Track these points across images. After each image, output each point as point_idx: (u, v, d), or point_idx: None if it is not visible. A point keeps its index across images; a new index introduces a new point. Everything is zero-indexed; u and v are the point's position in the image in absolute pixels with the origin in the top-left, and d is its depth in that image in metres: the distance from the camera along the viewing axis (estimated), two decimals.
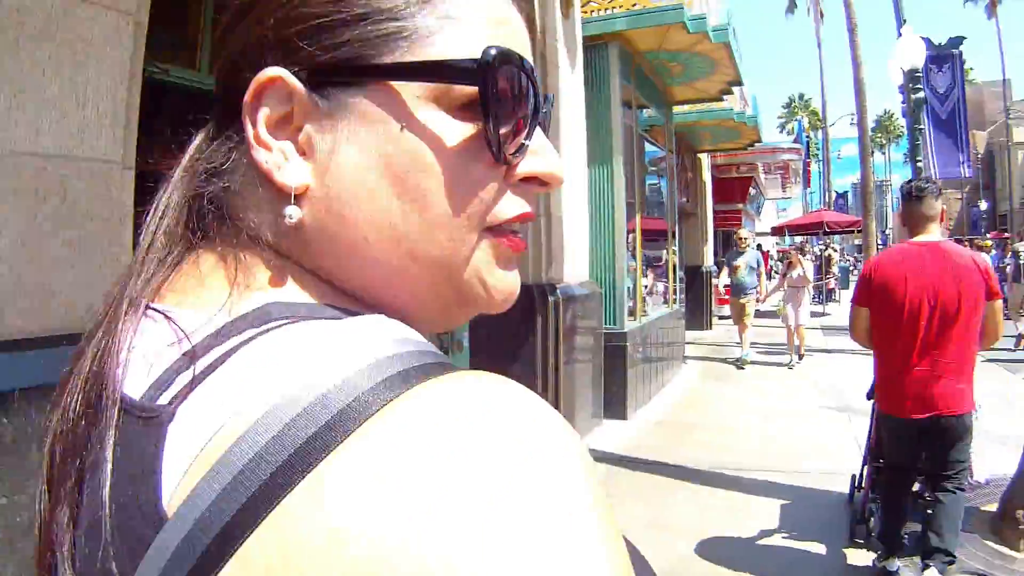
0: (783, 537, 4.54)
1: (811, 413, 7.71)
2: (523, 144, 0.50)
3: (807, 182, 31.56)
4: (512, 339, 5.77)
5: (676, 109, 11.60)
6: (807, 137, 30.30)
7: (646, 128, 10.14)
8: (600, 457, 5.96)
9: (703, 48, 8.22)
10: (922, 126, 11.20)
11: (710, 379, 9.74)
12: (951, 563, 3.58)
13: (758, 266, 11.12)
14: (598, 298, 6.75)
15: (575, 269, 6.37)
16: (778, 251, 38.44)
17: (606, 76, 7.53)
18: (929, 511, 3.67)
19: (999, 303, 3.63)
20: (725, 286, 11.31)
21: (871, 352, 3.94)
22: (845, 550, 4.30)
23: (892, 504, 3.85)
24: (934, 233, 3.70)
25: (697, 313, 14.24)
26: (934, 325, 3.48)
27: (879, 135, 73.49)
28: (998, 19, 49.08)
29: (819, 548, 4.35)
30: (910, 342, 3.53)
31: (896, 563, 3.73)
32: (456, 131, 0.47)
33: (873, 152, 71.40)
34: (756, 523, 4.69)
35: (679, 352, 10.53)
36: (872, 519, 4.26)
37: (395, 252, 0.48)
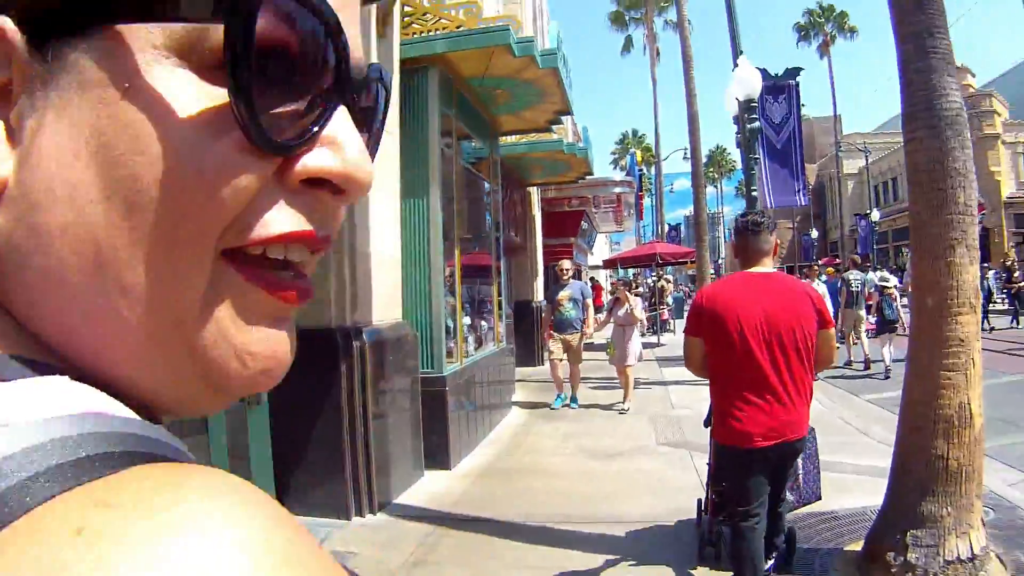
0: (630, 566, 4.64)
1: (648, 450, 7.65)
2: (309, 129, 0.37)
3: (639, 215, 32.83)
4: (315, 390, 5.42)
5: (504, 140, 11.59)
6: (640, 170, 31.60)
7: (473, 160, 10.02)
8: (420, 515, 5.63)
9: (530, 74, 8.13)
10: (757, 156, 11.64)
11: (541, 419, 9.57)
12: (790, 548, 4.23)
13: (583, 298, 10.46)
14: (413, 340, 6.46)
15: (386, 310, 6.08)
16: (611, 283, 39.76)
17: (424, 103, 7.28)
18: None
19: (832, 331, 3.86)
20: (550, 323, 10.56)
21: (707, 381, 4.04)
22: (692, 571, 4.50)
23: (746, 539, 3.77)
24: (768, 266, 3.86)
25: (528, 349, 14.28)
26: (771, 355, 3.59)
27: (711, 170, 78.30)
28: (830, 58, 53.58)
29: (668, 573, 4.51)
30: (748, 373, 3.61)
31: None
32: (201, 96, 0.34)
33: (706, 186, 75.92)
34: (599, 561, 4.67)
35: (508, 392, 10.40)
36: (720, 541, 4.45)
37: (99, 282, 0.35)
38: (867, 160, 46.95)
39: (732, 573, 3.92)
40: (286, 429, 5.44)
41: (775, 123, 14.19)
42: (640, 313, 10.81)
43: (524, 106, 9.39)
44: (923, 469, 4.14)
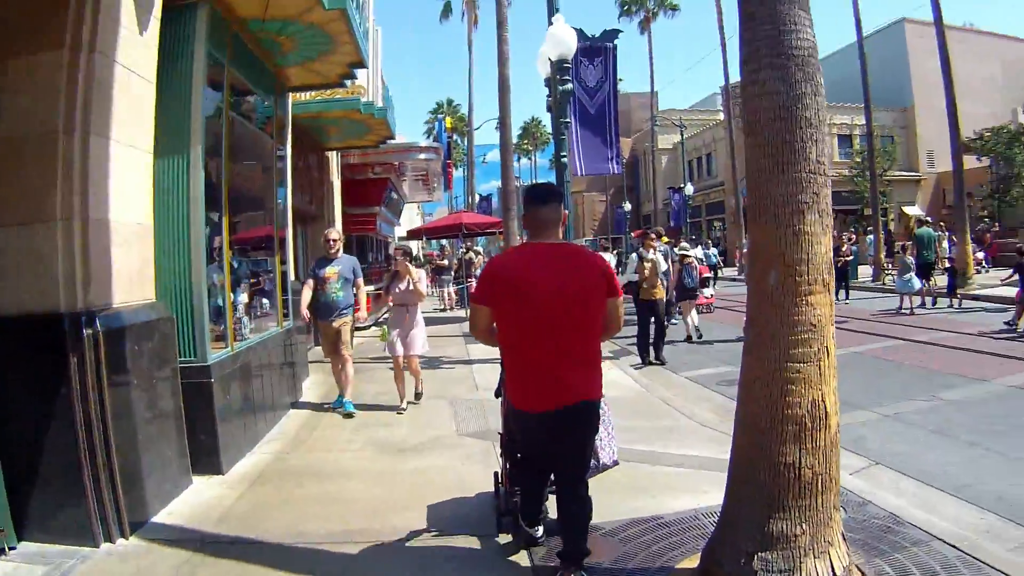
0: (432, 536, 4.80)
1: (448, 443, 7.21)
2: None
3: (448, 184, 32.44)
4: (42, 390, 4.57)
5: (296, 98, 10.78)
6: (448, 137, 31.13)
7: (263, 120, 9.13)
8: (178, 538, 4.85)
9: (316, 17, 7.44)
10: (568, 120, 11.38)
11: (334, 410, 8.79)
12: (587, 554, 4.03)
13: (355, 276, 8.96)
14: (168, 325, 5.60)
15: (132, 290, 5.20)
16: (424, 255, 39.33)
17: (189, 47, 6.34)
18: (563, 521, 4.05)
19: (619, 299, 3.98)
20: (309, 306, 8.82)
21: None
22: (496, 539, 4.71)
23: (531, 493, 4.36)
24: (556, 236, 3.98)
25: None
26: (559, 321, 3.71)
27: (526, 141, 79.44)
28: (650, 34, 55.14)
29: (473, 543, 4.67)
30: (538, 338, 3.74)
31: (540, 529, 4.44)
32: None
33: (520, 158, 77.00)
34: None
35: (298, 377, 9.64)
36: (515, 511, 4.61)
37: None
38: (682, 135, 49.23)
39: (525, 527, 4.43)
40: (15, 440, 4.55)
41: (589, 87, 14.02)
42: (425, 288, 9.21)
43: (313, 56, 8.67)
44: (771, 480, 3.58)
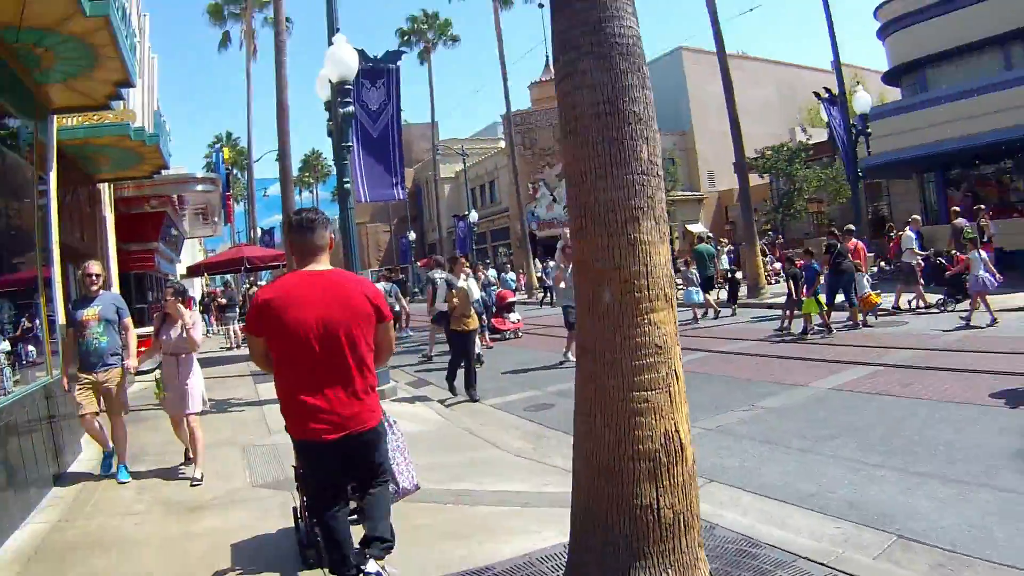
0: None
1: (242, 496, 6.49)
2: None
3: (228, 218, 30.92)
4: None
5: (62, 123, 9.80)
6: (228, 169, 29.76)
7: (27, 147, 8.11)
8: None
9: (78, 27, 6.67)
10: (350, 144, 11.03)
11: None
12: (390, 547, 4.06)
13: (121, 317, 7.54)
14: None
15: None
16: (208, 292, 37.33)
17: None
18: (362, 508, 4.15)
19: (389, 324, 4.08)
20: (71, 358, 7.44)
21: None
22: (300, 574, 4.49)
23: (330, 527, 3.98)
24: (324, 263, 3.99)
25: None
26: (330, 350, 3.73)
27: (307, 174, 78.02)
28: (431, 65, 55.20)
29: None
30: (310, 368, 3.73)
31: None
32: None
33: (302, 191, 75.25)
34: None
35: (74, 432, 8.54)
36: (319, 541, 4.35)
37: None
38: (465, 163, 49.89)
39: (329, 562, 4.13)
40: None
41: (372, 110, 13.61)
42: (199, 334, 7.63)
43: (76, 72, 7.86)
44: (627, 525, 3.21)
